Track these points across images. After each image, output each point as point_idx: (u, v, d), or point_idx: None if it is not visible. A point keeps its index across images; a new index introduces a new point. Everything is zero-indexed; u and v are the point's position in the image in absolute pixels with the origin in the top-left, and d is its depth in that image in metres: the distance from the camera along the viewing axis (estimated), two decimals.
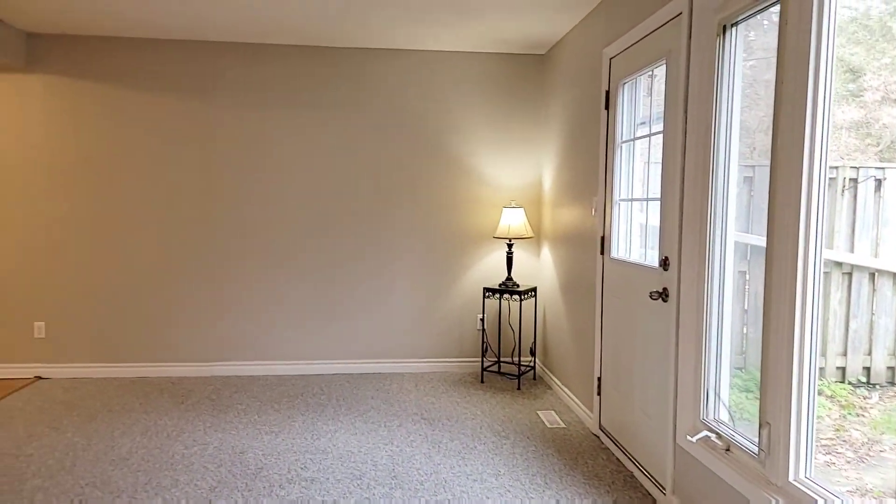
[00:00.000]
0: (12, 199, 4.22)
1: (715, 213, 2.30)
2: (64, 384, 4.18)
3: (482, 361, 4.37)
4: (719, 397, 2.38)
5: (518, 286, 4.25)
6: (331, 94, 4.39)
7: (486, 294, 4.32)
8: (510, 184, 4.55)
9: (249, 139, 4.36)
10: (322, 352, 4.52)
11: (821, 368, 2.26)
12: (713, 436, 2.31)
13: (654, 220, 2.78)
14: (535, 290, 4.30)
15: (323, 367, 4.52)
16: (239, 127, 4.35)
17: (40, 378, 4.31)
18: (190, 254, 4.37)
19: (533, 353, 4.47)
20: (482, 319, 4.53)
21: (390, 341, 4.56)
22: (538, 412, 3.75)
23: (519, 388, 4.20)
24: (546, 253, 4.42)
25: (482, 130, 4.51)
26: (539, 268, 4.60)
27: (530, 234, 4.22)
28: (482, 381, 4.35)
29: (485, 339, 4.54)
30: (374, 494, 2.69)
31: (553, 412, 3.75)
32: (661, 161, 2.67)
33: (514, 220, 4.19)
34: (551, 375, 4.27)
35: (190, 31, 4.08)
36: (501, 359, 4.64)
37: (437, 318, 4.58)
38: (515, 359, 4.64)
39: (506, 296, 4.32)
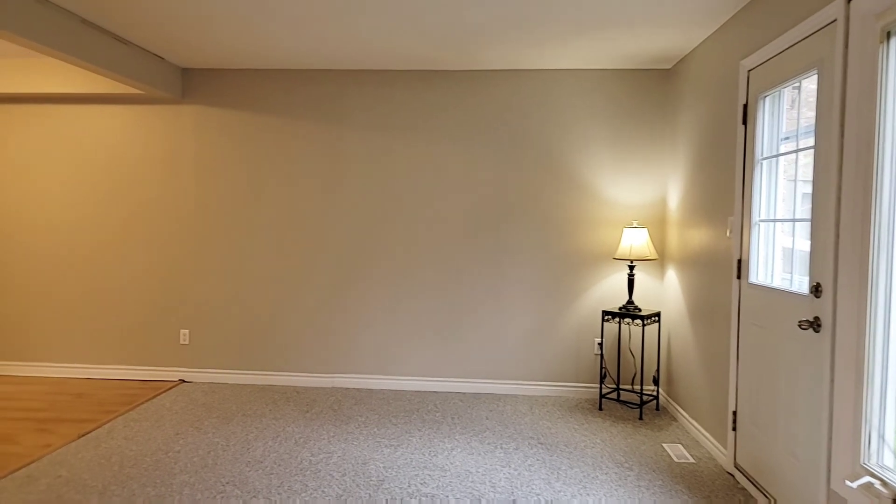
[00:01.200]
0: (164, 218, 4.69)
1: (879, 237, 2.07)
2: (204, 388, 4.54)
3: (601, 388, 4.21)
4: (884, 440, 2.13)
5: (640, 310, 4.07)
6: (450, 115, 4.50)
7: (606, 317, 4.17)
8: (631, 203, 4.39)
9: (374, 161, 4.56)
10: (437, 369, 4.57)
11: None
12: (877, 482, 2.06)
13: (802, 242, 2.56)
14: (658, 314, 4.09)
15: (437, 385, 4.57)
16: (364, 149, 4.56)
17: (184, 381, 4.71)
18: (317, 271, 4.62)
19: (656, 382, 4.25)
20: (600, 344, 4.38)
21: (505, 362, 4.53)
22: (664, 445, 3.54)
23: (641, 418, 3.99)
24: (671, 276, 4.20)
25: (602, 148, 4.41)
26: (663, 291, 4.38)
27: (654, 255, 4.04)
28: (600, 409, 4.19)
29: (603, 365, 4.38)
30: None
31: (680, 446, 3.53)
32: (810, 179, 2.46)
33: (636, 241, 4.03)
34: (677, 406, 4.02)
35: (322, 62, 4.35)
36: (621, 386, 4.45)
37: (553, 341, 4.49)
38: (636, 387, 4.44)
39: (626, 320, 4.15)
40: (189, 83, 4.64)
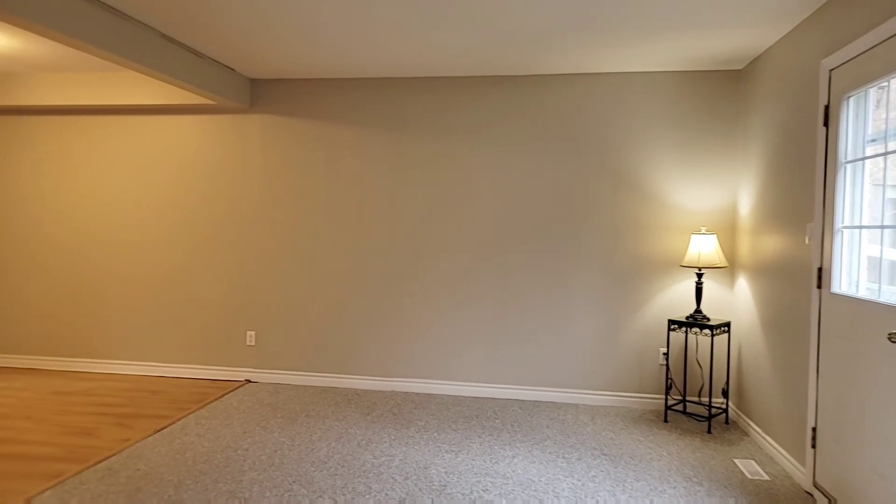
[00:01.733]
0: (232, 224, 4.87)
1: None
2: (268, 388, 4.67)
3: (666, 399, 4.08)
4: None
5: (708, 320, 3.93)
6: (511, 121, 4.48)
7: (672, 327, 4.05)
8: (699, 209, 4.26)
9: (434, 167, 4.59)
10: (495, 375, 4.55)
11: None
12: None
13: (891, 251, 2.41)
14: (728, 324, 3.94)
15: (496, 391, 4.54)
16: (425, 155, 4.60)
17: (249, 381, 4.86)
18: (375, 275, 4.69)
19: (725, 395, 4.09)
20: (666, 354, 4.25)
21: (565, 370, 4.46)
22: (735, 460, 3.40)
23: (709, 432, 3.85)
24: (742, 284, 4.04)
25: (668, 153, 4.29)
26: (732, 300, 4.22)
27: (723, 263, 3.90)
28: (666, 421, 4.06)
29: (669, 376, 4.24)
30: None
31: (753, 462, 3.38)
32: None
33: (704, 248, 3.90)
34: (748, 420, 3.86)
35: (385, 70, 4.43)
36: (688, 398, 4.30)
37: (615, 350, 4.39)
38: (704, 399, 4.28)
39: (694, 329, 4.02)
40: (257, 93, 4.81)
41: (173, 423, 3.82)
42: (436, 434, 3.73)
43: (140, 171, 4.97)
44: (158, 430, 3.68)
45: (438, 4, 3.12)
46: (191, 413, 4.02)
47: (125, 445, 3.43)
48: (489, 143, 4.52)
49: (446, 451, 3.45)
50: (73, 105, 4.79)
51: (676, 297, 4.30)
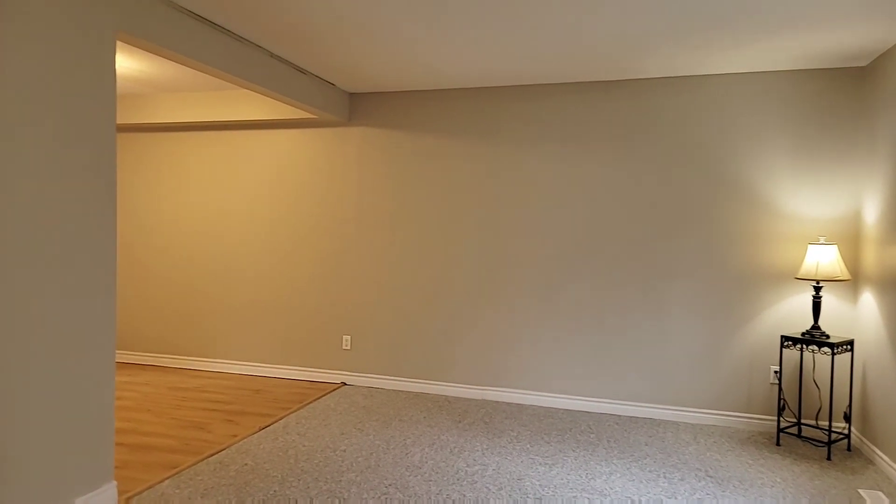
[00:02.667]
0: (330, 232, 5.05)
1: None
2: (363, 391, 4.79)
3: (778, 421, 3.80)
4: None
5: (828, 337, 3.62)
6: (603, 127, 4.37)
7: (785, 343, 3.77)
8: (816, 217, 3.95)
9: (524, 174, 4.56)
10: (589, 388, 4.42)
11: None
12: None
13: None
14: (851, 342, 3.61)
15: (590, 405, 4.41)
16: (515, 162, 4.58)
17: (345, 384, 5.01)
18: (467, 284, 4.70)
19: (847, 419, 3.75)
20: (777, 372, 3.96)
21: (664, 386, 4.26)
22: (860, 490, 3.10)
23: (829, 458, 3.54)
24: (868, 299, 3.70)
25: (779, 157, 4.02)
26: (855, 316, 3.87)
27: (845, 275, 3.58)
28: (778, 444, 3.78)
29: (781, 396, 3.95)
30: None
31: (881, 493, 3.07)
32: None
33: (823, 259, 3.60)
34: (873, 448, 3.51)
35: (477, 80, 4.45)
36: (802, 421, 3.99)
37: (720, 366, 4.15)
38: (821, 422, 3.94)
39: (811, 347, 3.73)
40: (355, 106, 4.99)
41: (276, 421, 4.01)
42: (529, 446, 3.67)
43: (246, 182, 5.29)
44: (263, 428, 3.87)
45: (533, 14, 3.10)
46: (291, 412, 4.19)
47: (234, 441, 3.63)
48: (581, 151, 4.42)
49: (540, 464, 3.39)
50: (189, 122, 5.18)
51: (789, 312, 4.00)
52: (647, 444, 3.74)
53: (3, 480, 2.26)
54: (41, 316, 2.39)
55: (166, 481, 3.05)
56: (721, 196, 4.14)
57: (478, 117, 4.68)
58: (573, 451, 3.61)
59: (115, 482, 2.78)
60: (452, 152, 4.74)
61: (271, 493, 2.94)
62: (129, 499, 2.86)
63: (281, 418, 4.07)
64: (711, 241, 4.16)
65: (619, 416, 4.33)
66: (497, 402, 4.61)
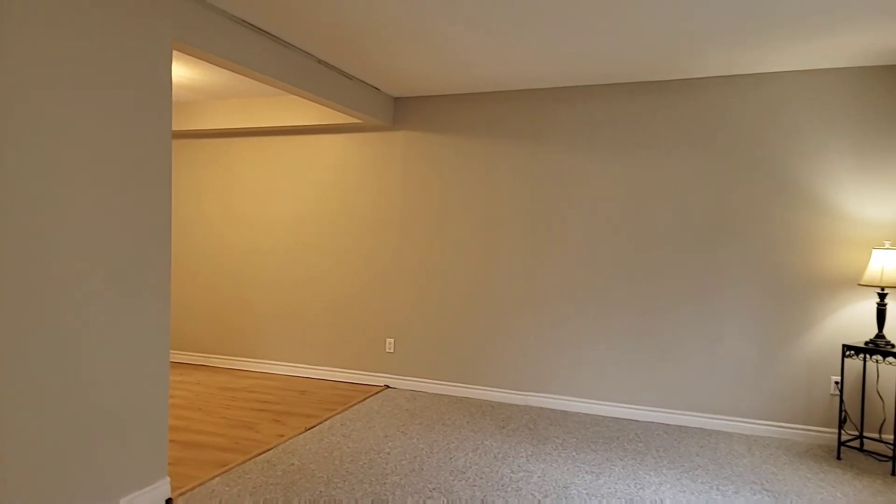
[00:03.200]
0: (374, 236, 5.09)
1: None
2: (406, 394, 4.80)
3: (839, 433, 3.62)
4: None
5: (893, 346, 3.44)
6: (655, 128, 4.27)
7: (847, 353, 3.59)
8: (882, 221, 3.75)
9: (571, 177, 4.49)
10: (637, 396, 4.32)
11: None
12: None
13: None
14: None
15: (637, 413, 4.31)
16: (561, 165, 4.52)
17: (388, 387, 5.04)
18: (512, 287, 4.66)
19: None
20: (838, 383, 3.78)
21: (715, 394, 4.12)
22: None
23: (893, 473, 3.35)
24: None
25: (841, 158, 3.84)
26: None
27: None
28: (839, 458, 3.60)
29: (843, 408, 3.76)
30: None
31: None
32: None
33: (889, 264, 3.43)
34: None
35: (522, 82, 4.42)
36: (865, 434, 3.79)
37: (776, 376, 3.99)
38: (886, 435, 3.75)
39: (875, 357, 3.54)
40: (399, 111, 5.02)
41: (321, 422, 4.05)
42: (574, 453, 3.60)
43: (291, 187, 5.38)
44: (308, 429, 3.92)
45: (584, 13, 3.05)
46: (336, 414, 4.24)
47: (280, 441, 3.69)
48: (627, 153, 4.33)
49: (586, 472, 3.32)
50: (238, 128, 5.31)
51: (851, 320, 3.82)
52: (698, 455, 3.62)
53: (68, 473, 2.35)
54: (102, 318, 2.48)
55: (216, 479, 3.12)
56: (775, 199, 3.99)
57: (522, 120, 4.64)
58: (620, 459, 3.52)
59: (168, 478, 2.86)
60: (495, 156, 4.72)
61: (317, 493, 2.97)
62: (180, 495, 2.93)
63: (326, 419, 4.12)
64: (768, 244, 4.01)
65: (668, 424, 4.21)
66: (541, 407, 4.55)
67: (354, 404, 4.49)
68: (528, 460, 3.48)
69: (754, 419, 4.03)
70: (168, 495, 2.84)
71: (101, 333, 2.48)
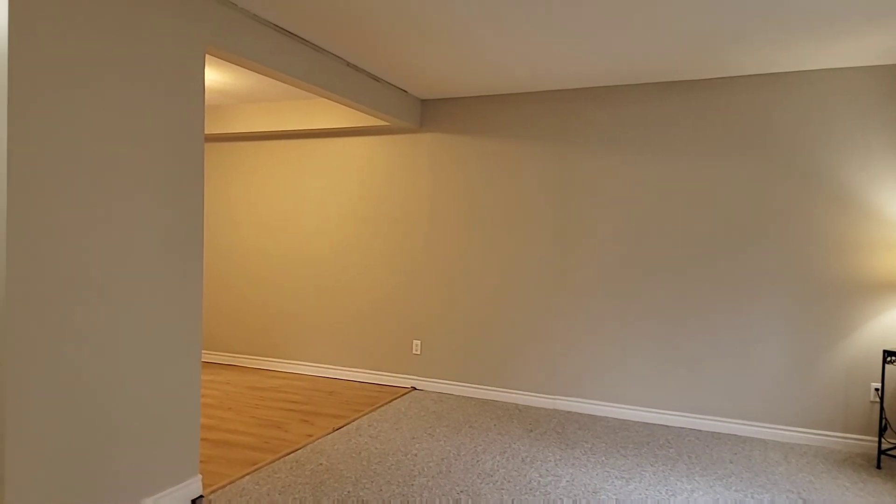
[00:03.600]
0: (402, 238, 5.11)
1: None
2: (433, 396, 4.80)
3: (879, 442, 3.51)
4: None
5: None
6: (687, 129, 4.20)
7: (888, 359, 3.48)
8: None
9: (601, 178, 4.44)
10: (668, 401, 4.25)
11: None
12: None
13: None
14: None
15: (668, 418, 4.24)
16: (591, 166, 4.47)
17: (415, 389, 5.04)
18: (540, 289, 4.63)
19: None
20: (879, 390, 3.66)
21: (750, 401, 4.03)
22: None
23: None
24: None
25: (883, 158, 3.73)
26: None
27: None
28: (878, 467, 3.49)
29: (883, 415, 3.65)
30: None
31: None
32: None
33: None
34: None
35: (550, 83, 4.39)
36: None
37: (813, 382, 3.88)
38: None
39: None
40: (427, 113, 5.03)
41: (349, 423, 4.07)
42: (603, 458, 3.56)
43: (321, 189, 5.43)
44: (336, 429, 3.94)
45: (616, 10, 3.02)
46: (363, 415, 4.25)
47: (309, 440, 3.72)
48: (662, 154, 4.27)
49: (616, 478, 3.27)
50: (266, 131, 5.38)
51: (892, 325, 3.70)
52: (731, 462, 3.54)
53: (104, 469, 2.41)
54: (137, 317, 2.53)
55: (246, 477, 3.16)
56: (814, 201, 3.89)
57: (550, 121, 4.61)
58: (651, 465, 3.47)
59: (200, 476, 2.91)
60: (524, 157, 4.69)
61: (345, 493, 2.98)
62: (212, 492, 2.98)
63: (353, 420, 4.14)
64: (805, 248, 3.91)
65: (700, 430, 4.13)
66: (569, 411, 4.50)
67: (381, 405, 4.51)
68: (556, 464, 3.44)
69: (790, 426, 3.93)
70: (200, 492, 2.88)
71: (136, 332, 2.53)
